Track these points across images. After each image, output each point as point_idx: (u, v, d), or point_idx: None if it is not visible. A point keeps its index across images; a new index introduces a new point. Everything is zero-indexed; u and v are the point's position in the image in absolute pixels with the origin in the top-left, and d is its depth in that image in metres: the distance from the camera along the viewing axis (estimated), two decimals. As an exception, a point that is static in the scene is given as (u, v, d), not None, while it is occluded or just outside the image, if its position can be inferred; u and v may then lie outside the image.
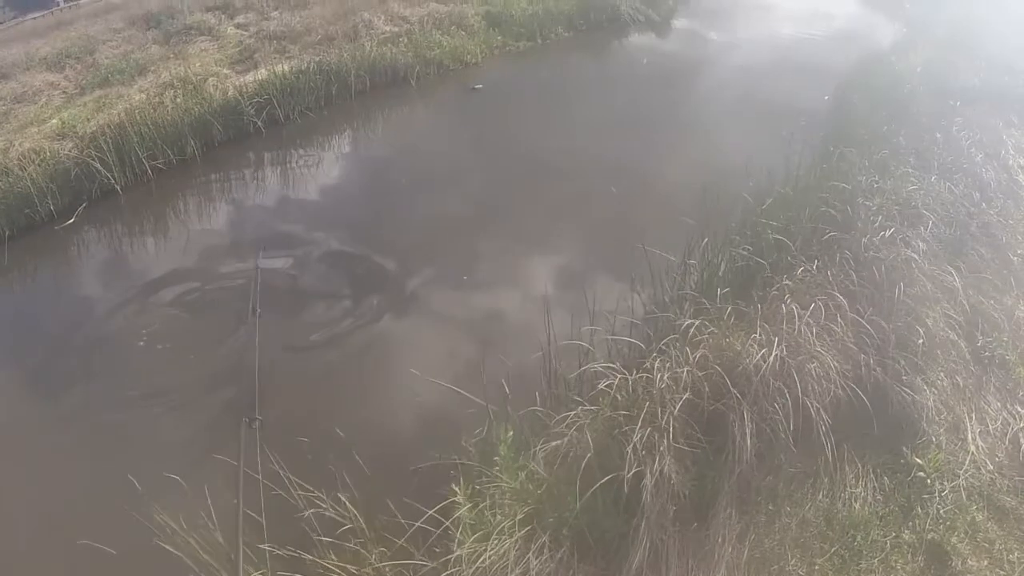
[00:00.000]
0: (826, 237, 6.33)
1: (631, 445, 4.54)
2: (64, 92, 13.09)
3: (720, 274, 6.24)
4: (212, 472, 5.16)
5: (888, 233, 6.22)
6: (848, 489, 4.84)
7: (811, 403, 4.82)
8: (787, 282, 5.73)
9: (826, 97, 11.09)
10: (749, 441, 4.67)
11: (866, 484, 4.86)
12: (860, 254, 6.01)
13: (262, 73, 12.72)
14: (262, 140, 12.10)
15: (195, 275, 8.87)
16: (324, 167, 11.44)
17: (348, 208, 10.13)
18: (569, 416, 4.90)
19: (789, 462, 4.92)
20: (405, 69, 13.17)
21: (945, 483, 4.86)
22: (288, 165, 11.61)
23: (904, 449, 5.05)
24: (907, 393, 5.18)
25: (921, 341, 5.41)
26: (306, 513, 4.59)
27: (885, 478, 4.95)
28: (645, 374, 5.06)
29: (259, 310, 6.84)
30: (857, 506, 4.76)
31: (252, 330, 7.13)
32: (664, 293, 6.18)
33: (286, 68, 12.71)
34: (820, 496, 4.82)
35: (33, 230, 10.35)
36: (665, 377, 4.93)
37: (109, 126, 10.96)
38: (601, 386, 5.05)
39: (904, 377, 5.25)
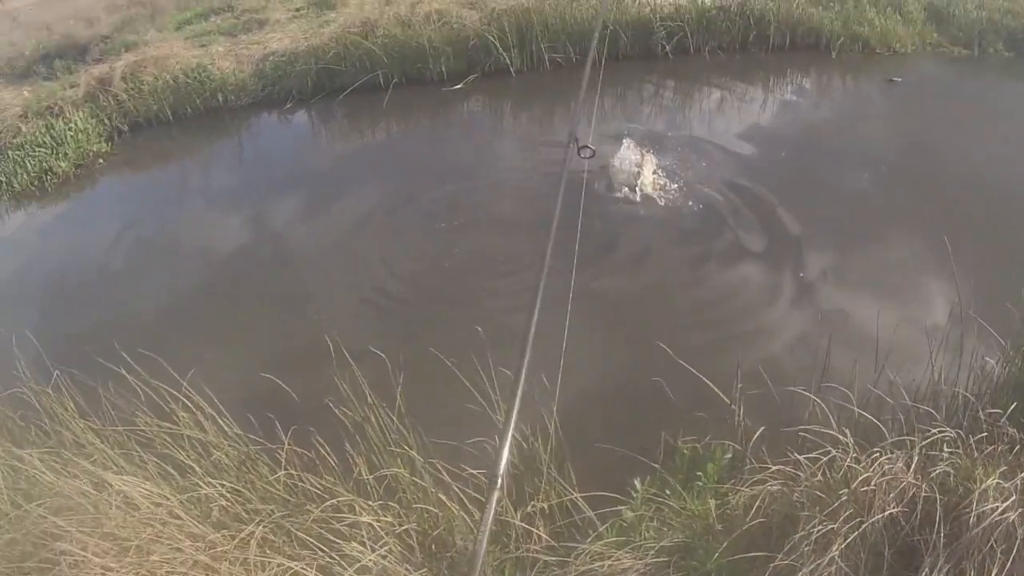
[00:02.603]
0: None
1: (802, 532, 4.07)
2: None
3: (1011, 389, 5.19)
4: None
5: None
6: None
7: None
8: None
9: None
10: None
11: None
12: None
13: (683, -1, 12.50)
14: (668, 65, 12.14)
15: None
16: (724, 110, 11.11)
17: (728, 157, 9.72)
18: (770, 468, 4.43)
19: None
20: (828, 36, 12.18)
21: None
22: (687, 96, 11.56)
23: None
24: None
25: None
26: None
27: None
28: (865, 464, 4.44)
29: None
30: None
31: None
32: (943, 381, 5.21)
33: (708, 1, 12.39)
34: None
35: (421, 84, 11.46)
36: (884, 480, 4.33)
37: (517, 9, 11.55)
38: (814, 454, 4.44)
39: None
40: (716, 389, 4.89)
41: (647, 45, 12.17)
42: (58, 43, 14.78)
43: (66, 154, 10.78)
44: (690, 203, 8.57)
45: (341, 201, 9.14)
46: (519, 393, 2.61)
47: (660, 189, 8.77)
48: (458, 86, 11.50)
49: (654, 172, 8.92)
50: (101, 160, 11.03)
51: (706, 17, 12.20)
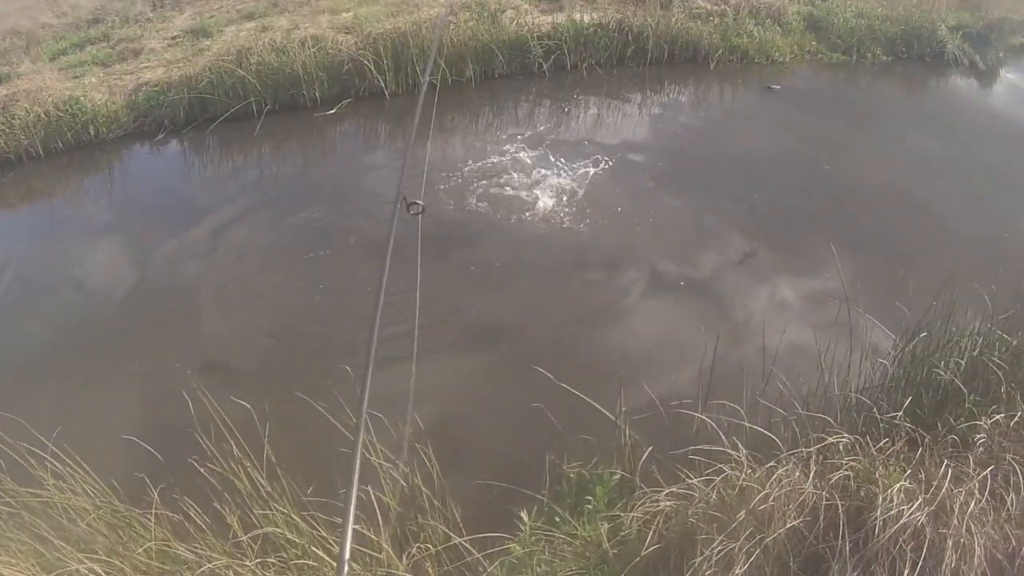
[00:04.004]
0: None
1: (703, 555, 3.74)
2: (373, -15, 13.46)
3: (903, 384, 5.09)
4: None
5: None
6: None
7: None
8: (982, 423, 4.41)
9: None
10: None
11: None
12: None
13: (560, 18, 12.43)
14: (544, 82, 12.02)
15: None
16: (600, 122, 11.02)
17: (606, 175, 9.40)
18: (662, 491, 4.17)
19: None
20: (707, 49, 12.34)
21: None
22: (581, 111, 11.38)
23: None
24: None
25: None
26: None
27: None
28: (761, 478, 4.15)
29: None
30: None
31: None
32: (835, 383, 5.06)
33: (586, 19, 12.38)
34: None
35: (294, 111, 11.13)
36: (782, 492, 4.02)
37: (394, 32, 11.36)
38: (706, 474, 4.18)
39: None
40: (599, 407, 4.59)
41: (524, 63, 12.09)
42: (-71, 76, 13.85)
43: (-69, 195, 9.94)
44: (565, 213, 8.46)
45: (206, 235, 8.55)
46: (357, 465, 2.38)
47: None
48: (331, 111, 11.10)
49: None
50: (-32, 201, 10.19)
51: (584, 35, 12.20)
